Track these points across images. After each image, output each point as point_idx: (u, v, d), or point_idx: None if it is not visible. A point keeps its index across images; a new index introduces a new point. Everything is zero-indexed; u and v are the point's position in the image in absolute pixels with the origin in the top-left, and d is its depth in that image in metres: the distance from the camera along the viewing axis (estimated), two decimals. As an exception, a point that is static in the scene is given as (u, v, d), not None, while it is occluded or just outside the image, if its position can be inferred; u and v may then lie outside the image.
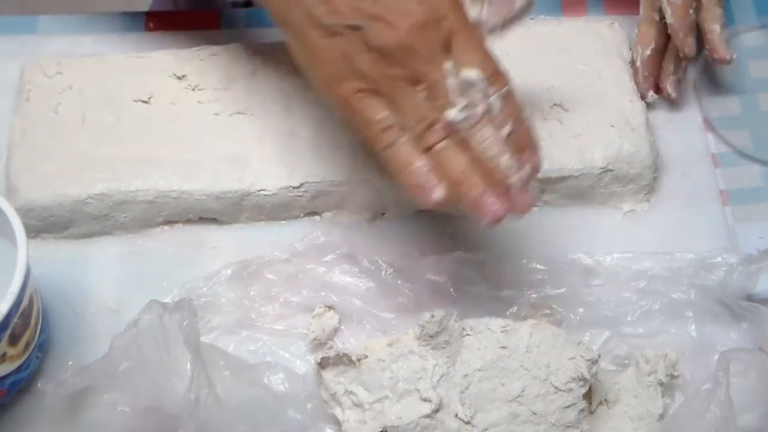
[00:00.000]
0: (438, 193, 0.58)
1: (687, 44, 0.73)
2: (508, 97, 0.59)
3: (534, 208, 0.72)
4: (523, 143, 0.60)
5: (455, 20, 0.59)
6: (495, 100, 0.59)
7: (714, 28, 0.74)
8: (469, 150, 0.59)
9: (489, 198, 0.58)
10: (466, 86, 0.58)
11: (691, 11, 0.73)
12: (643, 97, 0.75)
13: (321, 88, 0.61)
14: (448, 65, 0.58)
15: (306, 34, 0.60)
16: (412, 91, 0.58)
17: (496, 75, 0.59)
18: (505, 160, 0.58)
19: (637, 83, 0.75)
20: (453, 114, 0.58)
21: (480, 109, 0.58)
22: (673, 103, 0.76)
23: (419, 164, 0.58)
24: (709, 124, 0.77)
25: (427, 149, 0.58)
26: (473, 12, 0.63)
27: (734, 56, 0.74)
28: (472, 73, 0.58)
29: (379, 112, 0.59)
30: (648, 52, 0.75)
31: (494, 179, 0.58)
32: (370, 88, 0.59)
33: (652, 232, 0.71)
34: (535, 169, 0.60)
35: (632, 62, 0.76)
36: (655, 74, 0.76)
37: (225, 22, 0.79)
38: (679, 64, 0.76)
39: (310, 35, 0.59)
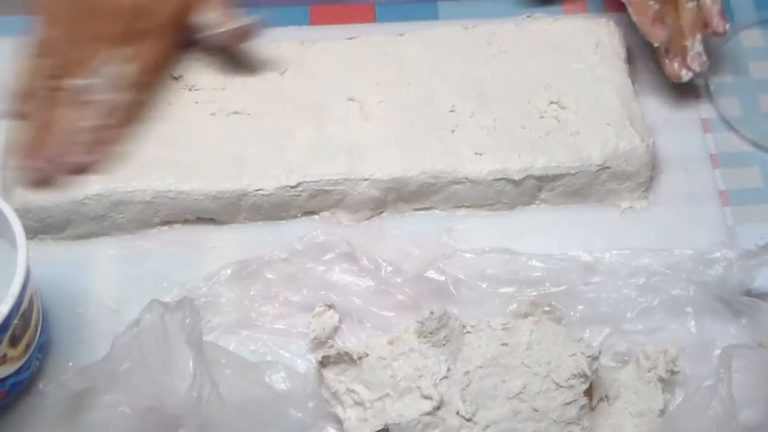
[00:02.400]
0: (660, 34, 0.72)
1: (653, 35, 0.74)
2: (129, 106, 0.69)
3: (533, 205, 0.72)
4: (103, 140, 0.68)
5: (155, 30, 0.68)
6: (117, 98, 0.68)
7: (705, 1, 0.75)
8: (58, 110, 0.67)
9: None
10: (106, 73, 0.67)
11: (652, 2, 0.73)
12: (677, 80, 0.75)
13: None
14: (119, 51, 0.68)
15: None
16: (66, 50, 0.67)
17: (143, 85, 0.69)
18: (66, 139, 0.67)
19: (666, 70, 0.76)
20: (78, 82, 0.67)
21: (104, 97, 0.68)
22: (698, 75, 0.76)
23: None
24: (708, 124, 0.77)
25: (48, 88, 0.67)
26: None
27: (727, 27, 0.75)
28: (127, 68, 0.67)
29: None
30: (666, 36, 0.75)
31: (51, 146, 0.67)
32: None
33: (651, 230, 0.71)
34: (88, 163, 0.68)
35: (657, 51, 0.76)
36: (682, 54, 0.75)
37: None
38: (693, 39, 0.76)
39: None
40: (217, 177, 0.69)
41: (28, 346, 0.60)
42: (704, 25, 0.75)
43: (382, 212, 0.72)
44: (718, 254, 0.68)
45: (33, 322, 0.61)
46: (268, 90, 0.73)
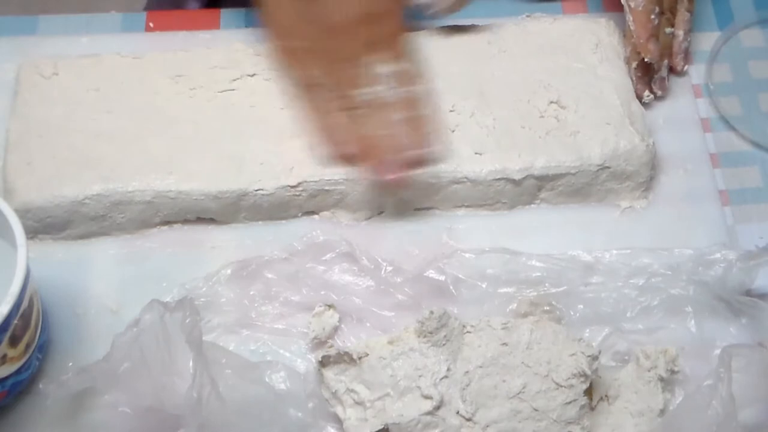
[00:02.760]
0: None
1: (648, 50, 0.73)
2: (412, 97, 0.70)
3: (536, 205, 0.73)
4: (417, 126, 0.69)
5: (389, 22, 0.71)
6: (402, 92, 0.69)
7: (677, 33, 0.77)
8: (373, 117, 0.69)
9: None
10: (379, 77, 0.69)
11: (653, 16, 0.73)
12: (639, 98, 0.75)
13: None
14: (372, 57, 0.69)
15: None
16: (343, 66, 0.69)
17: (410, 76, 0.70)
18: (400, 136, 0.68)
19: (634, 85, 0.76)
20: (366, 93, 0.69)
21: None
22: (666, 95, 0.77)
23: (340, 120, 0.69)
24: (708, 124, 0.77)
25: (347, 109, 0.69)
26: None
27: (686, 69, 0.78)
28: (385, 69, 0.69)
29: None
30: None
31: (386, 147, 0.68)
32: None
33: (651, 229, 0.71)
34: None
35: (627, 62, 0.76)
36: (650, 75, 0.76)
37: (225, 22, 0.79)
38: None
39: None
40: (217, 177, 0.69)
41: (28, 346, 0.60)
42: (669, 54, 0.77)
43: (382, 212, 0.72)
44: (718, 254, 0.68)
45: (33, 322, 0.61)
46: (268, 90, 0.73)
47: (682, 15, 0.77)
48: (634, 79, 0.75)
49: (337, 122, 0.69)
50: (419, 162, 0.68)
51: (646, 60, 0.73)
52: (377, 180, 0.68)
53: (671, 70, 0.78)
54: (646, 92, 0.76)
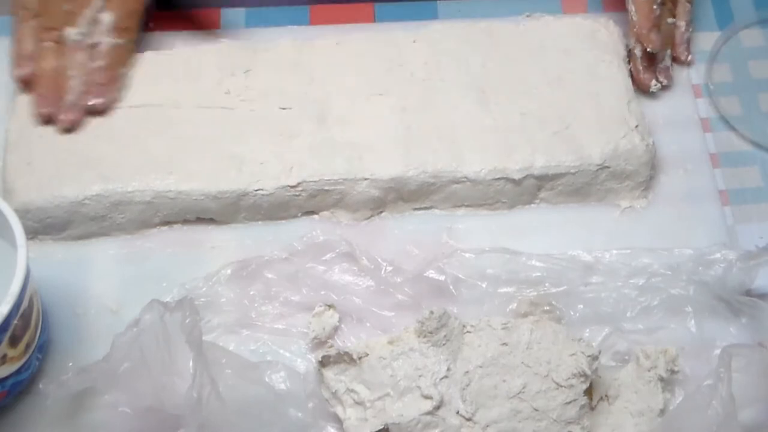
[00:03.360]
0: (26, 71, 0.72)
1: (650, 40, 0.74)
2: (120, 47, 0.73)
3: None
4: (106, 80, 0.72)
5: None
6: (108, 42, 0.72)
7: (679, 24, 0.78)
8: (61, 60, 0.72)
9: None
10: (95, 22, 0.72)
11: (655, 6, 0.74)
12: (645, 90, 0.76)
13: None
14: (98, 2, 0.72)
15: None
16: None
17: (124, 30, 0.73)
18: (72, 83, 0.71)
19: (636, 76, 0.76)
20: (71, 33, 0.71)
21: (98, 45, 0.72)
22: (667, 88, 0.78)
23: (27, 46, 0.72)
24: (708, 124, 0.77)
25: (40, 40, 0.72)
26: None
27: (690, 58, 0.78)
28: (106, 16, 0.72)
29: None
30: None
31: (57, 90, 0.71)
32: None
33: (651, 229, 0.71)
34: (98, 101, 0.72)
35: (629, 55, 0.76)
36: (654, 64, 0.76)
37: (224, 22, 0.79)
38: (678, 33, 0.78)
39: None
40: (217, 177, 0.69)
41: (28, 346, 0.60)
42: (672, 44, 0.78)
43: (381, 212, 0.72)
44: (718, 254, 0.68)
45: (33, 322, 0.61)
46: (268, 90, 0.73)
47: (683, 6, 0.78)
48: (640, 68, 0.75)
49: (30, 48, 0.72)
50: (89, 109, 0.71)
51: (648, 50, 0.74)
52: (40, 114, 0.71)
53: (674, 60, 0.78)
54: (653, 81, 0.76)
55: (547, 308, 0.66)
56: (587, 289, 0.67)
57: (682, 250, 0.69)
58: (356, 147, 0.70)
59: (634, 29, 0.75)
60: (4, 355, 0.58)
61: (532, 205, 0.73)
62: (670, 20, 0.77)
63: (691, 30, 0.79)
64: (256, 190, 0.69)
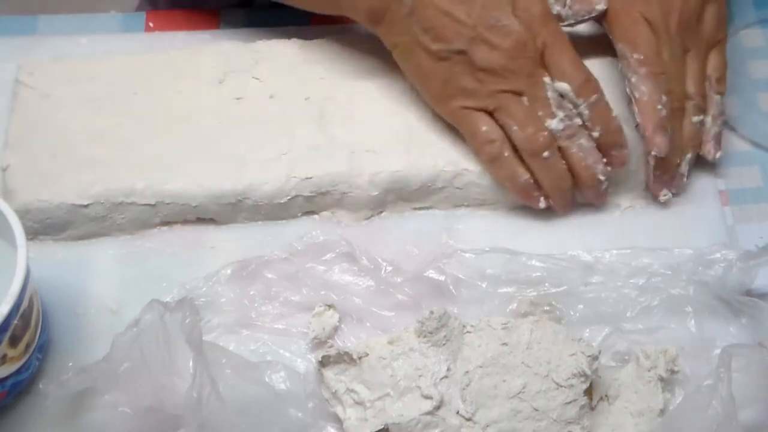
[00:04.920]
0: (542, 204, 0.69)
1: (655, 143, 0.68)
2: (597, 104, 0.67)
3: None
4: (612, 142, 0.68)
5: (548, 34, 0.66)
6: (584, 108, 0.66)
7: (706, 120, 0.71)
8: (567, 157, 0.68)
9: (572, 204, 0.71)
10: (561, 97, 0.66)
11: (660, 107, 0.67)
12: (654, 199, 0.72)
13: (431, 103, 0.70)
14: (545, 78, 0.66)
15: (414, 57, 0.68)
16: (515, 101, 0.66)
17: (584, 85, 0.66)
18: (599, 168, 0.68)
19: (648, 183, 0.72)
20: (554, 123, 0.67)
21: (576, 119, 0.67)
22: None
23: (524, 177, 0.68)
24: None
25: (533, 155, 0.67)
26: (556, 7, 0.69)
27: (718, 156, 0.72)
28: (563, 86, 0.66)
29: (482, 126, 0.67)
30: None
31: (586, 184, 0.69)
32: (475, 105, 0.67)
33: (651, 229, 0.71)
34: (623, 164, 0.69)
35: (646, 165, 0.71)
36: (671, 171, 0.71)
37: (225, 22, 0.79)
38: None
39: (418, 58, 0.68)
40: (217, 177, 0.69)
41: (28, 346, 0.60)
42: (698, 144, 0.72)
43: (382, 212, 0.72)
44: (718, 254, 0.68)
45: (33, 322, 0.61)
46: (268, 90, 0.73)
47: (712, 98, 0.71)
48: (651, 177, 0.70)
49: (521, 172, 0.68)
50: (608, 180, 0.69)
51: (653, 154, 0.68)
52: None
53: (704, 154, 0.72)
54: (663, 191, 0.71)
55: (547, 308, 0.66)
56: (587, 289, 0.67)
57: (682, 250, 0.69)
58: (356, 147, 0.70)
59: (639, 131, 0.69)
60: (4, 355, 0.58)
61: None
62: (695, 118, 0.70)
63: (721, 122, 0.72)
64: (256, 191, 0.69)
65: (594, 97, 0.66)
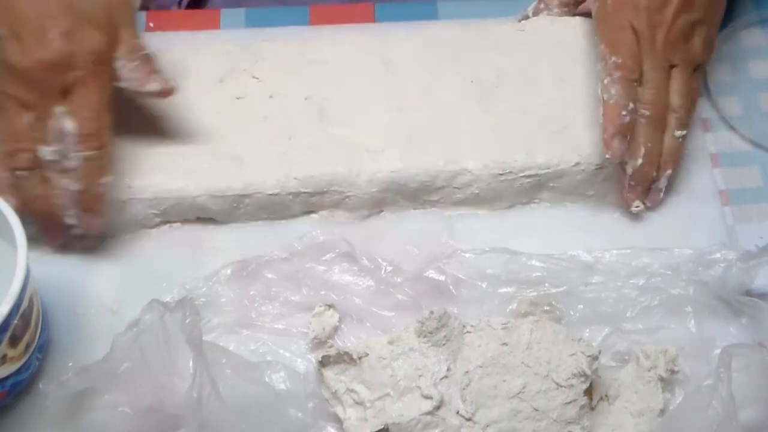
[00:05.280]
0: (13, 203, 0.61)
1: (610, 147, 0.66)
2: (91, 162, 0.63)
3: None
4: (89, 205, 0.65)
5: (88, 76, 0.62)
6: (76, 158, 0.63)
7: (627, 166, 0.68)
8: (43, 186, 0.63)
9: (48, 234, 0.67)
10: (62, 134, 0.62)
11: (625, 113, 0.66)
12: (626, 208, 0.71)
13: None
14: (57, 109, 0.62)
15: None
16: (18, 112, 0.62)
17: (89, 137, 0.63)
18: (70, 214, 0.64)
19: (620, 194, 0.70)
20: (46, 152, 0.62)
21: (70, 160, 0.63)
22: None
23: (2, 175, 0.64)
24: (708, 124, 0.77)
25: (13, 169, 0.63)
26: None
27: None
28: (68, 125, 0.62)
29: None
30: (639, 162, 0.68)
31: (55, 222, 0.65)
32: None
33: (651, 229, 0.71)
34: (90, 228, 0.66)
35: (622, 169, 0.70)
36: (645, 184, 0.70)
37: (225, 22, 0.79)
38: (659, 171, 0.70)
39: None
40: (217, 177, 0.69)
41: (28, 346, 0.60)
42: (678, 159, 0.71)
43: (381, 211, 0.72)
44: (718, 254, 0.68)
45: (33, 322, 0.61)
46: (268, 89, 0.73)
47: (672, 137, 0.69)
48: (625, 185, 0.69)
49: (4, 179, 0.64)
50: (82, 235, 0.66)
51: (606, 156, 0.67)
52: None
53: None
54: (636, 202, 0.70)
55: (547, 308, 0.66)
56: (587, 289, 0.67)
57: (682, 250, 0.69)
58: (356, 146, 0.70)
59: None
60: (4, 355, 0.58)
61: (532, 205, 0.73)
62: (678, 132, 0.69)
63: (664, 180, 0.70)
64: (256, 190, 0.69)
65: (91, 153, 0.63)
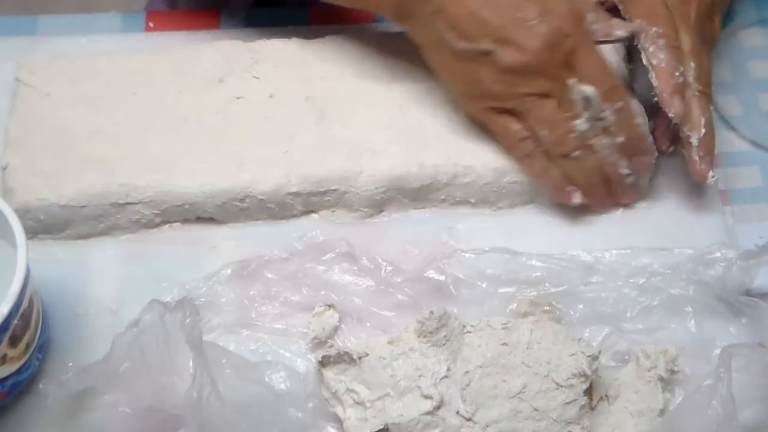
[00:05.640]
0: (576, 197, 0.69)
1: (672, 105, 0.67)
2: (622, 111, 0.67)
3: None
4: (636, 149, 0.68)
5: (577, 38, 0.65)
6: (609, 114, 0.66)
7: (692, 138, 0.69)
8: (593, 156, 0.67)
9: (607, 200, 0.71)
10: (587, 101, 0.65)
11: (678, 74, 0.67)
12: (701, 183, 0.71)
13: (458, 102, 0.70)
14: (571, 81, 0.65)
15: (440, 56, 0.68)
16: (541, 104, 0.66)
17: (610, 91, 0.66)
18: (622, 165, 0.68)
19: (691, 166, 0.70)
20: (580, 124, 0.66)
21: (604, 120, 0.66)
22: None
23: (555, 171, 0.68)
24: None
25: (564, 156, 0.67)
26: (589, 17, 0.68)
27: (712, 178, 0.69)
28: (588, 90, 0.65)
29: (512, 126, 0.67)
30: (702, 131, 0.69)
31: (612, 183, 0.69)
32: (501, 107, 0.67)
33: (651, 230, 0.71)
34: (645, 170, 0.70)
35: (685, 143, 0.69)
36: (712, 153, 0.70)
37: (225, 22, 0.79)
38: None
39: (444, 57, 0.67)
40: (217, 177, 0.69)
41: (28, 346, 0.60)
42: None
43: (381, 211, 0.72)
44: (718, 254, 0.68)
45: (33, 322, 0.61)
46: (268, 89, 0.73)
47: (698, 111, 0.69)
48: (695, 158, 0.69)
49: (552, 167, 0.68)
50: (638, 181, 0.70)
51: (669, 115, 0.67)
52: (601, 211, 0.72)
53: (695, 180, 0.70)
54: (710, 172, 0.69)
55: (547, 308, 0.66)
56: (587, 289, 0.67)
57: (682, 250, 0.69)
58: (356, 146, 0.70)
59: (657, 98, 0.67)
60: (4, 355, 0.58)
61: (532, 205, 0.73)
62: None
63: (711, 140, 0.70)
64: (257, 190, 0.69)
65: (619, 103, 0.66)
